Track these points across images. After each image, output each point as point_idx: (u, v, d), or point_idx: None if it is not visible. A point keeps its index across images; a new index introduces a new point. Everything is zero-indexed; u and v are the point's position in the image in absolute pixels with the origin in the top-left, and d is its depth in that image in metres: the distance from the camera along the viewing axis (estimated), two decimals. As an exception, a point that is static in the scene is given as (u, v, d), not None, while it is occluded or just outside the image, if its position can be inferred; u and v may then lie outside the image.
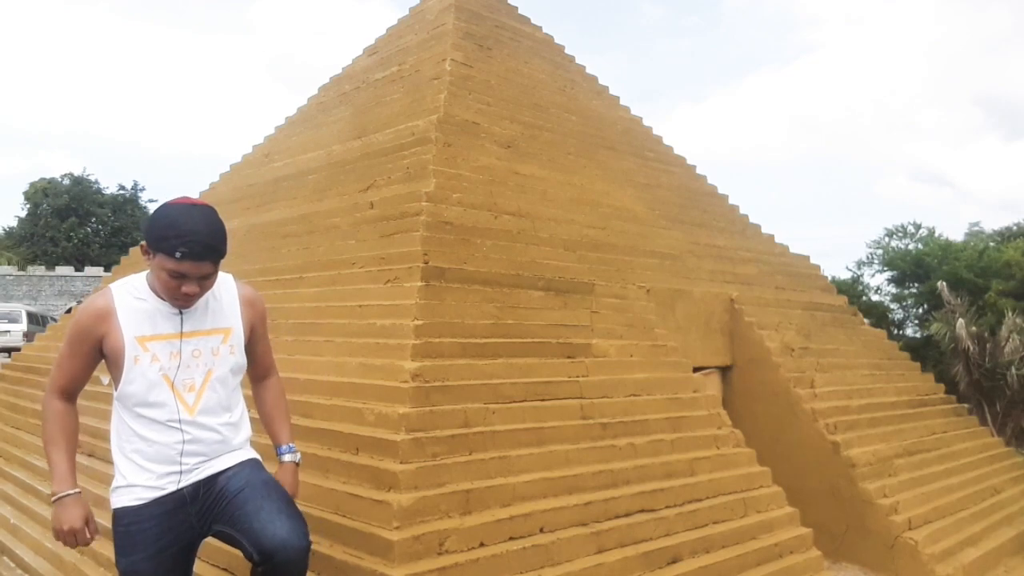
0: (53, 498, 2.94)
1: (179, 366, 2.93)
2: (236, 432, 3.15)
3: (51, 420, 3.03)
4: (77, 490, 2.97)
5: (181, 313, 2.94)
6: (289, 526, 2.94)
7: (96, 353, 2.95)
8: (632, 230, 8.36)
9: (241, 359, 3.14)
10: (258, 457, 3.25)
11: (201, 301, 2.98)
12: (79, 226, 49.44)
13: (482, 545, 4.46)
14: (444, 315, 5.62)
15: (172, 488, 2.95)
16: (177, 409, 2.92)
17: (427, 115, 7.99)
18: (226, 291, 3.12)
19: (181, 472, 2.95)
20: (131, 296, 2.94)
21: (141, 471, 2.93)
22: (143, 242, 2.90)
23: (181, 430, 2.93)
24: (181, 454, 2.94)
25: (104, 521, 3.25)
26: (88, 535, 2.97)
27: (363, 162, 8.14)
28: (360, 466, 4.65)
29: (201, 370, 2.98)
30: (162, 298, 2.92)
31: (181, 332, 2.94)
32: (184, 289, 2.83)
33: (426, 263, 5.90)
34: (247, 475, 3.07)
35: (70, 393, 3.04)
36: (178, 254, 2.76)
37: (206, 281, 2.89)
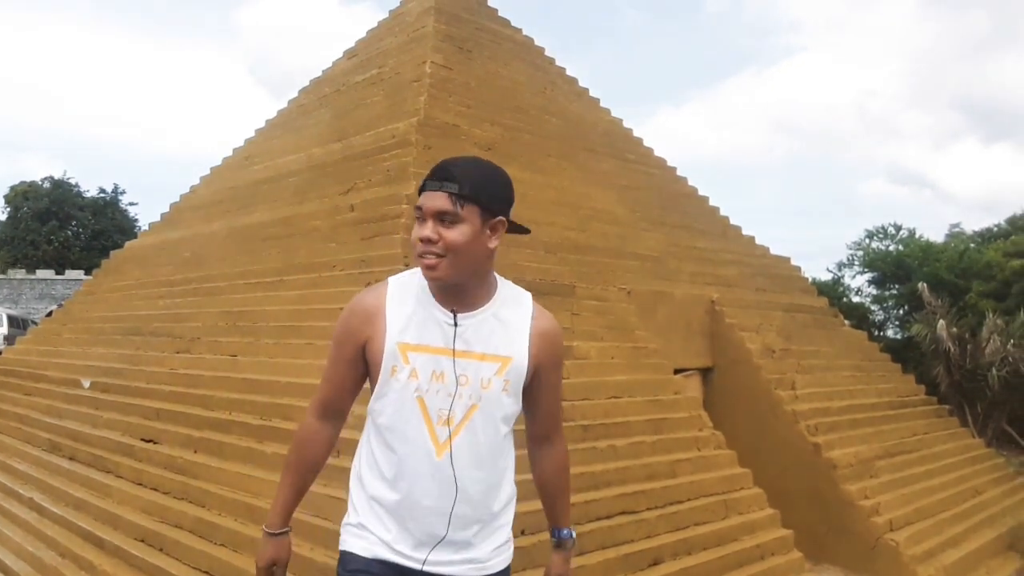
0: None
1: (439, 391, 2.23)
2: (495, 499, 2.38)
3: (295, 442, 2.48)
4: (284, 529, 2.42)
5: (456, 324, 2.24)
6: None
7: (360, 361, 2.34)
8: (613, 232, 8.37)
9: (516, 405, 2.33)
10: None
11: (482, 316, 2.26)
12: (59, 229, 49.01)
13: (463, 548, 4.44)
14: (424, 318, 5.60)
15: (408, 563, 2.26)
16: (425, 443, 2.23)
17: (407, 118, 7.98)
18: (517, 314, 2.33)
19: (428, 548, 2.26)
20: (403, 291, 2.31)
21: (377, 519, 2.29)
22: None
23: (429, 474, 2.23)
24: (432, 514, 2.25)
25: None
26: None
27: (343, 165, 8.12)
28: (341, 469, 4.60)
29: (464, 402, 2.23)
30: (434, 296, 2.26)
31: (453, 348, 2.23)
32: (417, 233, 2.16)
33: (407, 266, 5.88)
34: None
35: (330, 409, 2.45)
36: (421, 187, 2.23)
37: (445, 227, 2.14)
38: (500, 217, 2.23)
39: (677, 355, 7.86)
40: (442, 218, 2.14)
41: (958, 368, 13.58)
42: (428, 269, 2.17)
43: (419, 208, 2.18)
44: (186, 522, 5.16)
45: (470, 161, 2.25)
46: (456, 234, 2.14)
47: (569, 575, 2.64)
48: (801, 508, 7.09)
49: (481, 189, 2.18)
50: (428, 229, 2.14)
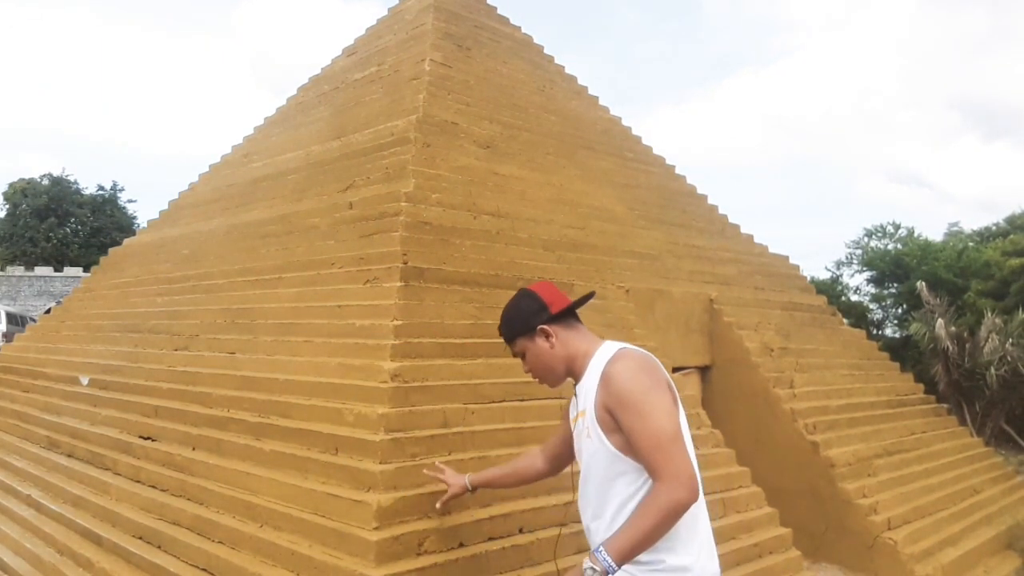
0: None
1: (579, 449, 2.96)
2: (598, 527, 2.91)
3: None
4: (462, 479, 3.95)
5: (576, 394, 2.99)
6: None
7: None
8: (611, 230, 8.37)
9: (600, 447, 2.75)
10: None
11: (584, 383, 2.90)
12: (58, 226, 49.07)
13: (461, 545, 4.44)
14: (423, 315, 5.60)
15: None
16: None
17: (406, 115, 7.98)
18: (594, 367, 2.87)
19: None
20: None
21: None
22: None
23: (580, 502, 2.99)
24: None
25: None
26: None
27: (342, 162, 8.11)
28: (339, 466, 4.63)
29: (580, 454, 2.96)
30: None
31: (576, 412, 2.97)
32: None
33: (405, 263, 5.88)
34: None
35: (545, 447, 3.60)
36: None
37: (524, 362, 3.12)
38: (538, 327, 3.00)
39: (675, 353, 7.86)
40: (518, 356, 3.13)
41: (956, 367, 13.59)
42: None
43: None
44: (184, 519, 5.16)
45: (509, 303, 3.13)
46: (527, 364, 3.11)
47: None
48: (799, 507, 7.10)
49: (507, 328, 3.10)
50: (525, 366, 3.14)
